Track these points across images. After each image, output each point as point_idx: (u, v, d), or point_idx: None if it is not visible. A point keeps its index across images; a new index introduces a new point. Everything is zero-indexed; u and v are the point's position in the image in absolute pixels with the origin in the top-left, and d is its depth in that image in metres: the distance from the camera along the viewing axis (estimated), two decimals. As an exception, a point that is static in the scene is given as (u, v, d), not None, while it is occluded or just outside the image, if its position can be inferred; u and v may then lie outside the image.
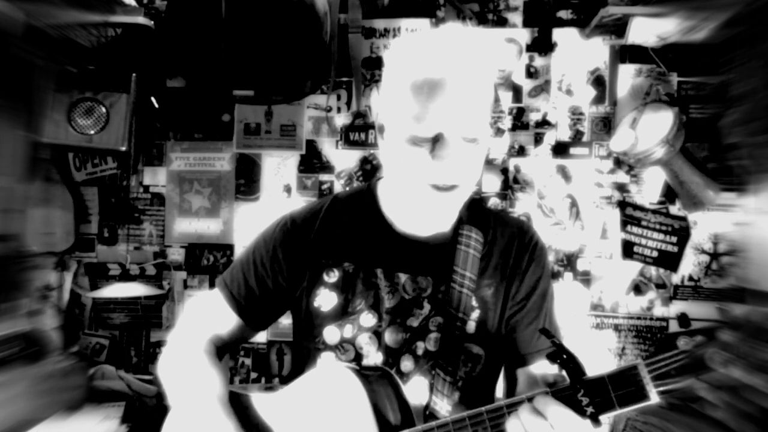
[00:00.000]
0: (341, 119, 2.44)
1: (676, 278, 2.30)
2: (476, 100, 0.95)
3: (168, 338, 1.16)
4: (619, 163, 2.32)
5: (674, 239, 2.29)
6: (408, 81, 0.95)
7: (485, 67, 0.97)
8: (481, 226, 1.13)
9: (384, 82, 1.04)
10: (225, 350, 1.19)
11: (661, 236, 2.30)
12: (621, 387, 0.82)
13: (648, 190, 2.31)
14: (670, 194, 2.29)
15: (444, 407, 1.03)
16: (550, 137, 2.36)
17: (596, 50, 2.33)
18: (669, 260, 2.30)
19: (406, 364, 1.07)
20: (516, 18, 2.37)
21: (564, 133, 2.35)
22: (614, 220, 2.33)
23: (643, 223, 2.31)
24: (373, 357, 1.07)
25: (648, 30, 2.02)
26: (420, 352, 1.07)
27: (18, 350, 1.70)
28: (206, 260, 2.49)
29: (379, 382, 0.98)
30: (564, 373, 0.86)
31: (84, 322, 2.51)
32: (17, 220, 1.78)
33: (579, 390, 0.84)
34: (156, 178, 2.50)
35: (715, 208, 2.22)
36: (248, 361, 2.46)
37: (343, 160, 2.44)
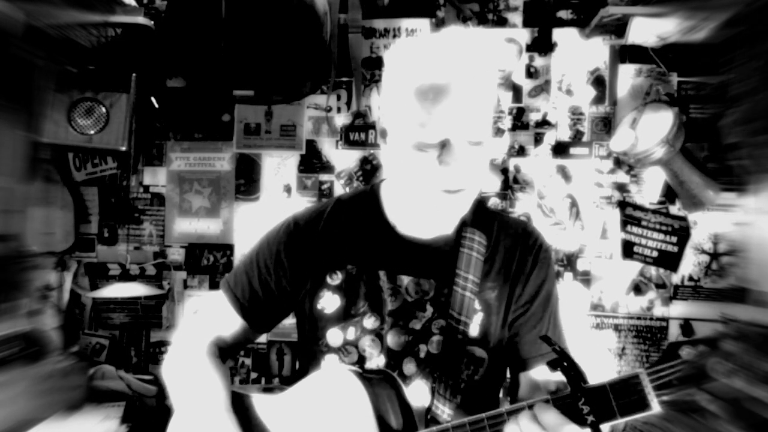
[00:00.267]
0: (341, 119, 2.44)
1: (676, 278, 2.30)
2: (481, 103, 0.95)
3: (172, 340, 1.16)
4: (619, 163, 2.32)
5: (674, 239, 2.29)
6: (411, 87, 0.94)
7: (488, 69, 0.97)
8: (485, 228, 1.13)
9: (385, 87, 1.03)
10: (229, 352, 1.19)
11: (661, 236, 2.30)
12: (622, 396, 0.82)
13: (648, 190, 2.31)
14: (670, 194, 2.29)
15: (446, 410, 1.02)
16: (550, 137, 2.36)
17: (596, 50, 2.33)
18: (669, 260, 2.30)
19: (409, 366, 1.06)
20: (516, 18, 2.37)
21: (564, 133, 2.35)
22: (614, 220, 2.33)
23: (643, 223, 2.31)
24: (376, 359, 1.07)
25: (648, 30, 2.02)
26: (422, 354, 1.06)
27: (18, 350, 1.70)
28: (206, 260, 2.49)
29: (381, 384, 0.98)
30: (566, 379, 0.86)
31: (84, 322, 2.51)
32: (17, 220, 1.78)
33: (580, 398, 0.83)
34: (156, 178, 2.50)
35: (715, 208, 2.22)
36: (248, 361, 2.46)
37: (343, 160, 2.44)
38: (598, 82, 2.34)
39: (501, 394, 1.19)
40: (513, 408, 0.88)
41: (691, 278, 2.30)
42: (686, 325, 2.29)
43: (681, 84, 2.30)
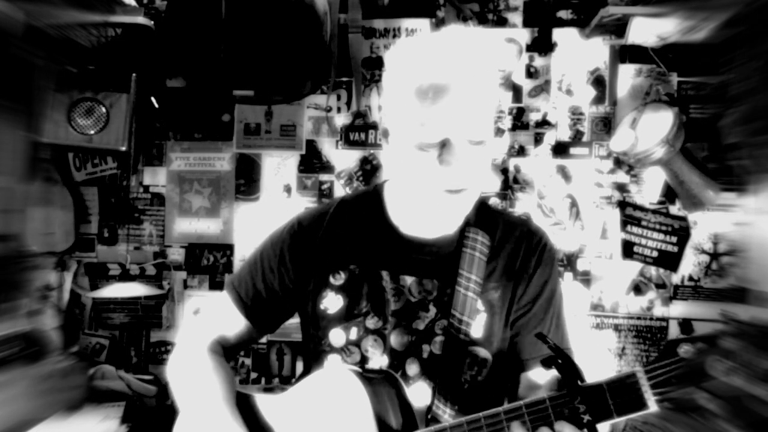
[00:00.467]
0: (341, 119, 2.44)
1: (676, 278, 2.30)
2: (481, 102, 0.94)
3: (176, 340, 1.17)
4: (619, 163, 2.32)
5: (674, 239, 2.29)
6: (412, 86, 0.94)
7: (488, 69, 0.96)
8: (488, 228, 1.12)
9: (386, 86, 1.03)
10: (233, 352, 1.19)
11: (661, 236, 2.30)
12: (619, 395, 0.81)
13: (648, 190, 2.31)
14: (670, 194, 2.29)
15: (447, 411, 1.02)
16: (550, 137, 2.36)
17: (596, 50, 2.33)
18: (669, 260, 2.30)
19: (411, 367, 1.06)
20: (516, 18, 2.37)
21: (564, 133, 2.35)
22: (614, 220, 2.33)
23: (643, 223, 2.31)
24: (378, 360, 1.07)
25: (648, 30, 2.02)
26: (425, 355, 1.06)
27: (18, 350, 1.69)
28: (206, 260, 2.49)
29: (382, 384, 0.98)
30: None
31: (84, 322, 2.51)
32: (17, 220, 1.78)
33: (576, 397, 0.83)
34: (156, 178, 2.50)
35: (715, 208, 2.22)
36: (248, 361, 2.46)
37: (343, 160, 2.44)
38: (598, 82, 2.34)
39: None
40: (510, 407, 0.87)
41: (691, 278, 2.29)
42: (685, 323, 2.28)
43: (681, 84, 2.30)
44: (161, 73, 2.41)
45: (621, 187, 2.33)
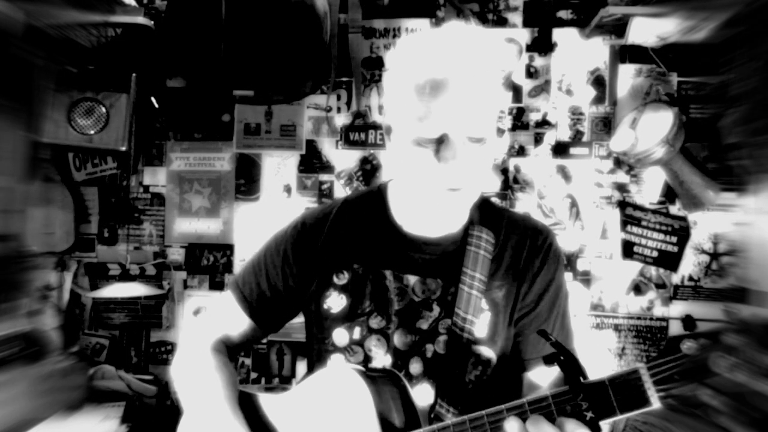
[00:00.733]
0: (341, 119, 2.44)
1: (676, 278, 2.30)
2: (481, 98, 0.93)
3: (180, 340, 1.17)
4: (619, 163, 2.32)
5: (674, 239, 2.29)
6: (411, 81, 0.93)
7: (489, 65, 0.95)
8: (493, 226, 1.11)
9: (387, 83, 1.03)
10: (237, 352, 1.19)
11: (661, 236, 2.30)
12: (622, 391, 0.80)
13: (648, 190, 2.32)
14: (670, 194, 2.29)
15: (451, 411, 1.01)
16: (550, 137, 2.36)
17: (596, 50, 2.33)
18: (669, 260, 2.30)
19: (415, 366, 1.06)
20: (516, 18, 2.37)
21: (564, 133, 2.36)
22: (614, 220, 2.33)
23: (643, 223, 2.31)
24: (382, 359, 1.07)
25: (648, 30, 2.02)
26: (429, 354, 1.06)
27: (18, 350, 1.69)
28: (206, 260, 2.49)
29: (385, 383, 0.98)
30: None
31: (84, 322, 2.51)
32: (17, 220, 1.78)
33: (579, 394, 0.82)
34: (156, 178, 2.50)
35: (715, 208, 2.22)
36: (248, 361, 2.46)
37: (343, 160, 2.44)
38: (598, 82, 2.34)
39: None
40: (513, 405, 0.86)
41: (691, 278, 2.30)
42: (688, 320, 2.28)
43: (681, 84, 2.30)
44: (161, 73, 2.41)
45: (621, 187, 2.33)
